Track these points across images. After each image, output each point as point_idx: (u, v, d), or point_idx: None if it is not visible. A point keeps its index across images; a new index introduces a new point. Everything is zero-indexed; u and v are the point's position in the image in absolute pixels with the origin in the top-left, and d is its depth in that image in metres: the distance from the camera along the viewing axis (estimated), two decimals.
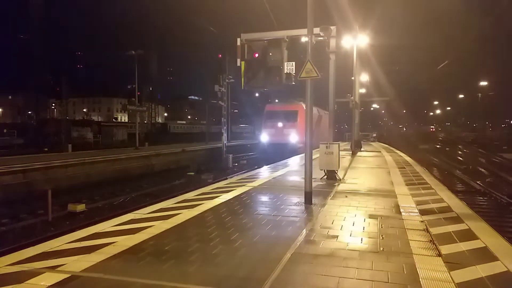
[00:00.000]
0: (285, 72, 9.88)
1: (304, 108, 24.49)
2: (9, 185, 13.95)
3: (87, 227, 5.69)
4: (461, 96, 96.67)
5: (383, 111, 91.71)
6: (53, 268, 3.97)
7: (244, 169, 22.70)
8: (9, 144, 32.32)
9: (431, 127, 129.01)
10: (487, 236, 5.14)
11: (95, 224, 5.90)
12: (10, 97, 77.26)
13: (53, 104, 72.73)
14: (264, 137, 27.00)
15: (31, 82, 43.94)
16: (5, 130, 38.28)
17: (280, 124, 26.52)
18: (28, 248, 4.63)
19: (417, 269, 3.97)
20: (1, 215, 11.69)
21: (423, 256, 4.38)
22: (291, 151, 22.85)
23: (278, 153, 22.98)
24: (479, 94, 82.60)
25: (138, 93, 35.11)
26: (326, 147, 10.41)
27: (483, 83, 77.36)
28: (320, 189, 9.14)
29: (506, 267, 4.03)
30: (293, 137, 25.63)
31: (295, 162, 16.12)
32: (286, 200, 7.78)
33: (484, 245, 4.76)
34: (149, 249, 4.66)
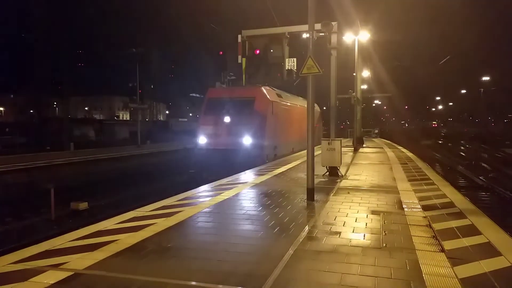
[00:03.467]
0: (286, 68, 9.87)
1: (266, 93, 16.56)
2: (12, 184, 13.98)
3: (89, 225, 5.70)
4: (463, 91, 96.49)
5: (385, 107, 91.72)
6: (56, 266, 3.98)
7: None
8: (12, 143, 32.40)
9: (433, 122, 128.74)
10: (490, 232, 5.12)
11: (97, 222, 5.90)
12: (11, 96, 77.34)
13: (55, 103, 72.80)
14: (202, 140, 16.73)
15: (33, 81, 44.00)
16: (7, 129, 38.36)
17: (226, 119, 16.54)
18: (31, 246, 4.64)
19: (420, 265, 3.97)
20: (5, 214, 11.72)
21: (426, 252, 4.37)
22: (244, 163, 14.66)
23: (222, 165, 14.97)
24: (481, 89, 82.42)
25: (140, 91, 35.10)
26: (328, 143, 10.39)
27: (486, 78, 77.18)
28: (322, 185, 9.14)
29: (509, 262, 4.02)
30: (247, 140, 15.93)
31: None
32: (288, 197, 7.77)
33: (488, 241, 4.74)
34: (152, 246, 4.66)
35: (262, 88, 17.04)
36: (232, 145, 15.99)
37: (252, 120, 16.22)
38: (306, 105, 23.11)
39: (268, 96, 16.96)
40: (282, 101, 18.71)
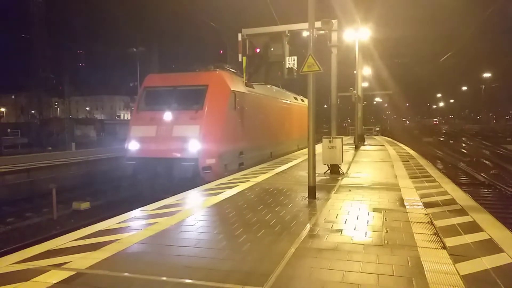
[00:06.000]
0: (287, 66, 9.85)
1: (225, 80, 12.49)
2: (14, 184, 14.01)
3: (91, 224, 5.72)
4: (464, 88, 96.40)
5: (386, 105, 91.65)
6: (58, 266, 3.99)
7: None
8: (13, 144, 32.48)
9: (435, 120, 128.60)
10: (492, 228, 5.12)
11: (99, 221, 5.91)
12: (13, 96, 77.57)
13: (56, 103, 72.99)
14: (133, 146, 11.97)
15: (34, 81, 44.09)
16: (9, 130, 38.47)
17: (166, 116, 11.88)
18: (34, 246, 4.65)
19: (422, 262, 3.96)
20: (7, 214, 11.76)
21: (428, 249, 4.37)
22: (186, 179, 10.89)
23: (155, 182, 11.54)
24: (483, 86, 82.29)
25: None
26: (329, 141, 10.38)
27: (487, 75, 77.05)
28: (324, 183, 9.13)
29: (511, 258, 4.02)
30: (193, 145, 11.31)
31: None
32: (290, 195, 7.78)
33: (489, 237, 4.74)
34: (154, 245, 4.67)
35: (220, 73, 12.75)
36: (173, 153, 11.36)
37: (202, 116, 11.52)
38: (289, 99, 19.86)
39: (227, 84, 12.48)
40: (253, 92, 14.31)
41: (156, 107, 12.23)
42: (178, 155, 11.34)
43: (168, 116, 11.81)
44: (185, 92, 12.21)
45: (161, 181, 11.38)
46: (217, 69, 13.13)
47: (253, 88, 14.38)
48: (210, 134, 11.50)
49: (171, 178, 11.18)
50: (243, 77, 13.82)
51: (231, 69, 13.98)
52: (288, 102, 20.06)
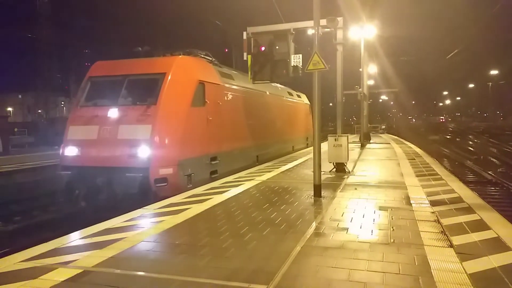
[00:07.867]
0: (292, 64, 9.83)
1: (189, 67, 10.15)
2: (21, 183, 14.13)
3: (97, 223, 5.75)
4: (471, 85, 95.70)
5: (391, 103, 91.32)
6: (65, 264, 4.02)
7: None
8: (21, 143, 32.75)
9: (441, 117, 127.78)
10: (499, 227, 5.08)
11: (106, 220, 5.94)
12: (20, 96, 78.10)
13: (62, 102, 73.46)
14: (70, 151, 9.20)
15: (40, 81, 44.40)
16: (16, 129, 38.76)
17: (112, 114, 9.09)
18: (41, 245, 4.69)
19: (429, 260, 3.94)
20: (14, 212, 11.85)
21: (435, 247, 4.34)
22: (134, 193, 8.45)
23: (93, 200, 9.21)
24: (490, 83, 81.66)
25: None
26: (335, 139, 10.34)
27: (494, 72, 76.44)
28: (329, 181, 9.11)
29: None
30: (143, 151, 8.52)
31: None
32: (295, 194, 7.77)
33: (497, 236, 4.70)
34: (160, 243, 4.69)
35: (183, 58, 10.16)
36: (117, 161, 8.72)
37: (155, 113, 8.86)
38: (282, 94, 18.07)
39: (193, 72, 10.07)
40: (231, 84, 11.89)
41: (100, 102, 9.63)
42: (123, 163, 8.65)
43: (113, 113, 9.13)
44: (137, 83, 9.59)
45: (102, 197, 9.04)
46: (181, 54, 10.49)
47: (233, 79, 12.11)
48: (165, 136, 8.90)
49: (113, 194, 8.78)
50: (221, 66, 12.12)
51: (205, 56, 11.45)
52: (281, 97, 17.47)
